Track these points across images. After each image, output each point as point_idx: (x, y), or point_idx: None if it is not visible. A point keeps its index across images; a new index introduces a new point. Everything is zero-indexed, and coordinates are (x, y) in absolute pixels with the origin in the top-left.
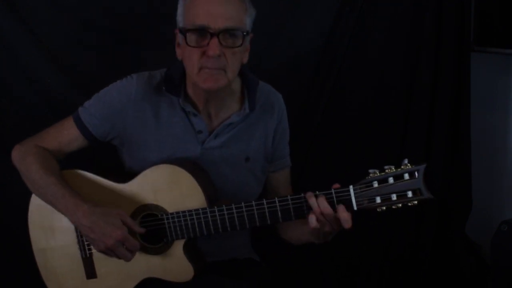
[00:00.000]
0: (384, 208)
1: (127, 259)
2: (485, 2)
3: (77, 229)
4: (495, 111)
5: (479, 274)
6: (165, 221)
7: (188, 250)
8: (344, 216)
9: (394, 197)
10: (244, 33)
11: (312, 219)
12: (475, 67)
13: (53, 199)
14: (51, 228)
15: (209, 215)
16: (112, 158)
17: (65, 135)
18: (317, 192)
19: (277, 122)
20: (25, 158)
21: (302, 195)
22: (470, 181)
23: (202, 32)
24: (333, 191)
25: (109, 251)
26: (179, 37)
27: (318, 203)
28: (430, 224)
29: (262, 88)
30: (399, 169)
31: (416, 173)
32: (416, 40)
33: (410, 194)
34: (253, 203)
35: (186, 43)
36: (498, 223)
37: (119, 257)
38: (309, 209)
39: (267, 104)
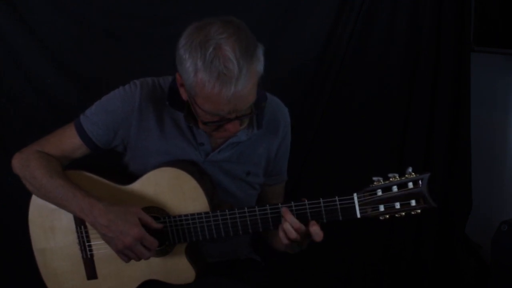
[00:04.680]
0: (387, 216)
1: (145, 257)
2: (485, 2)
3: (77, 230)
4: (495, 111)
5: (479, 274)
6: (167, 224)
7: (190, 253)
8: (315, 229)
9: (397, 205)
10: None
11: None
12: (475, 67)
13: (63, 201)
14: (51, 229)
15: (211, 219)
16: (114, 159)
17: (67, 144)
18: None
19: (281, 139)
20: (28, 165)
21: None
22: (470, 181)
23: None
24: (337, 198)
25: (126, 250)
26: (182, 89)
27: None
28: (430, 224)
29: (269, 103)
30: (403, 178)
31: (420, 182)
32: (416, 40)
33: (413, 202)
34: (256, 208)
35: (200, 116)
36: (498, 223)
37: (136, 256)
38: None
39: (272, 121)
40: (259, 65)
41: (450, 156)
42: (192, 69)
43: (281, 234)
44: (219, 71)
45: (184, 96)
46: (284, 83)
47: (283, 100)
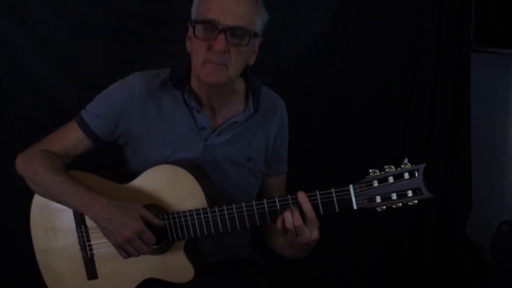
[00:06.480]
0: (384, 207)
1: (143, 252)
2: (485, 2)
3: (78, 230)
4: (495, 111)
5: (479, 274)
6: (166, 221)
7: (189, 251)
8: (306, 208)
9: (394, 196)
10: (252, 34)
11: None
12: (475, 67)
13: (65, 197)
14: (52, 229)
15: (209, 215)
16: (113, 158)
17: (69, 139)
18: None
19: (279, 126)
20: (30, 164)
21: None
22: (470, 181)
23: (211, 26)
24: (333, 190)
25: (126, 244)
26: (190, 30)
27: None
28: (430, 224)
29: (265, 92)
30: (399, 169)
31: (416, 172)
32: (416, 40)
33: (410, 193)
34: (253, 202)
35: (195, 34)
36: (498, 223)
37: (135, 251)
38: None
39: (270, 107)
40: (261, 7)
41: (450, 156)
42: None
43: (279, 219)
44: None
45: (188, 43)
46: (284, 83)
47: (284, 99)
